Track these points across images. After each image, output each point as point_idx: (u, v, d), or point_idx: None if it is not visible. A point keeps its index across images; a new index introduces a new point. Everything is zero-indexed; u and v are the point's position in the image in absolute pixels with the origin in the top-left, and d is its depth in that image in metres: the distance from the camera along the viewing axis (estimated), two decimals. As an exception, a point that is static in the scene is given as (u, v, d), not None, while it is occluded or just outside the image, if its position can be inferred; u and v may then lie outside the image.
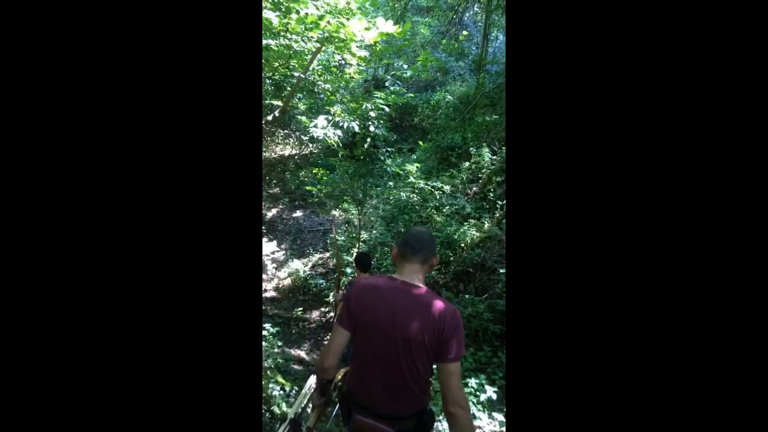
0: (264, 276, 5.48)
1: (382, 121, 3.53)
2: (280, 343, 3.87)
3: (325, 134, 3.22)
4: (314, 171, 4.43)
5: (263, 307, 4.68)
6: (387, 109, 3.47)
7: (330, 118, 3.30)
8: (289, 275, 5.36)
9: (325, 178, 4.49)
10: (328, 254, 5.66)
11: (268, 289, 5.20)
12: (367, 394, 1.24)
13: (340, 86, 4.01)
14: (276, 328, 4.21)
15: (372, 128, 3.42)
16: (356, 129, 3.35)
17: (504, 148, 6.09)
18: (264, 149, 9.06)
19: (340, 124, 3.24)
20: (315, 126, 3.23)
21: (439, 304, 1.19)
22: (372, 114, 3.40)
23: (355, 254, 1.74)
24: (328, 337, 4.33)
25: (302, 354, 4.00)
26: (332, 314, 4.68)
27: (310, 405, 1.42)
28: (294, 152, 8.46)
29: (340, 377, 1.41)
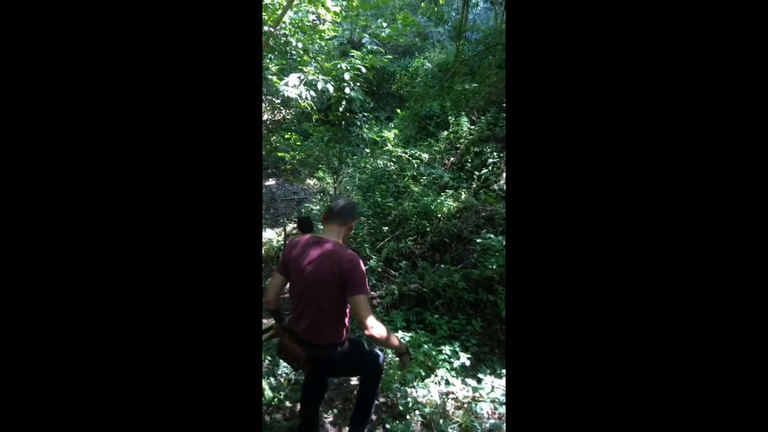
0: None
1: (358, 84, 3.33)
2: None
3: (298, 95, 3.01)
4: (287, 136, 4.21)
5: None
6: (364, 70, 3.27)
7: (302, 77, 3.08)
8: (262, 245, 5.21)
9: (298, 144, 4.29)
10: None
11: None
12: (296, 325, 1.61)
13: (314, 45, 3.76)
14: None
15: (348, 90, 3.22)
16: (331, 91, 3.15)
17: (482, 117, 6.00)
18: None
19: (314, 84, 3.03)
20: (286, 84, 3.00)
21: (341, 251, 1.53)
22: (347, 76, 3.20)
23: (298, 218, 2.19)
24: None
25: (276, 324, 3.93)
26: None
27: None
28: (266, 118, 8.10)
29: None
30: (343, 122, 3.60)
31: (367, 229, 4.97)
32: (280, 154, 4.41)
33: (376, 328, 1.46)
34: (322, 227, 1.66)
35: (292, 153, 4.37)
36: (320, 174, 6.78)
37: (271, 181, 6.96)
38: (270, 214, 6.07)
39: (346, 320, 1.61)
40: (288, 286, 1.68)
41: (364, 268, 1.51)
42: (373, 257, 4.34)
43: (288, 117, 8.12)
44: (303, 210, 5.75)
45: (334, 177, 4.55)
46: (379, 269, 4.28)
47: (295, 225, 2.55)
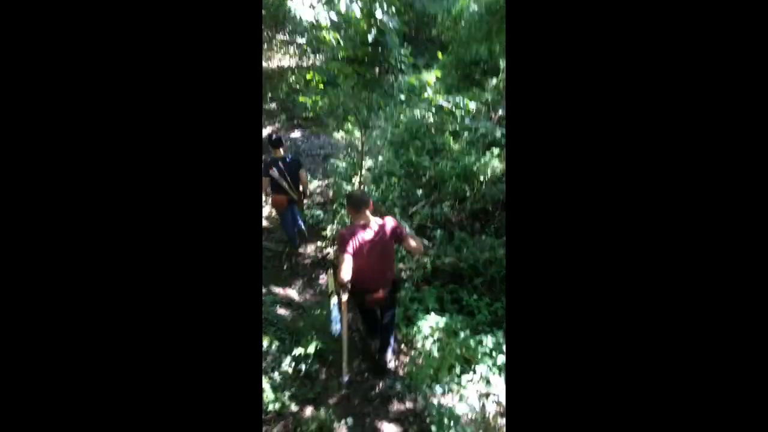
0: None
1: (393, 7, 2.59)
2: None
3: (315, 19, 2.36)
4: (308, 77, 3.56)
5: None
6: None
7: (322, -7, 2.40)
8: (283, 204, 4.75)
9: (321, 86, 3.65)
10: (327, 182, 4.99)
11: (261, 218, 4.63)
12: (371, 284, 2.23)
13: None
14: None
15: (380, 14, 2.50)
16: (357, 12, 2.45)
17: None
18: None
19: (335, 3, 2.35)
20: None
21: (389, 220, 2.33)
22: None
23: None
24: (322, 275, 3.86)
25: (293, 294, 3.52)
26: (330, 250, 4.16)
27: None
28: (293, 64, 7.41)
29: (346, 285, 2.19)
30: (374, 61, 2.91)
31: (398, 191, 4.38)
32: (301, 98, 3.79)
33: (416, 239, 2.40)
34: (350, 218, 2.32)
35: (314, 98, 3.74)
36: (348, 126, 6.15)
37: (296, 133, 6.40)
38: (293, 169, 5.57)
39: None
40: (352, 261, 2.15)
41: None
42: (404, 224, 3.79)
43: (318, 64, 7.38)
44: (328, 166, 5.21)
45: (363, 130, 3.92)
46: (410, 238, 3.74)
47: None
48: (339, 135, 6.20)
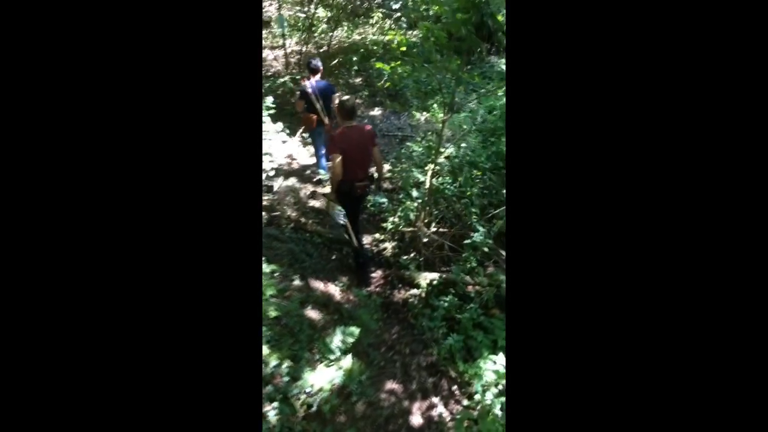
0: (310, 178, 4.47)
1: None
2: (296, 279, 2.86)
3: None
4: (390, 35, 2.95)
5: (300, 219, 3.71)
6: None
7: None
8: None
9: (403, 47, 3.02)
10: (399, 167, 4.38)
11: (318, 197, 4.20)
12: (353, 176, 2.92)
13: None
14: (306, 252, 3.24)
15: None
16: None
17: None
18: (352, 32, 7.54)
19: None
20: None
21: (368, 128, 3.10)
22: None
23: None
24: (373, 274, 3.31)
25: (334, 291, 3.00)
26: (387, 245, 3.58)
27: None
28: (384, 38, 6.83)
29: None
30: (471, 36, 2.19)
31: (479, 186, 3.61)
32: (378, 65, 3.18)
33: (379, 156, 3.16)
34: (340, 121, 3.01)
35: (393, 64, 3.11)
36: (434, 107, 5.44)
37: (376, 111, 5.87)
38: (366, 149, 5.06)
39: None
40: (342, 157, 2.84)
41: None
42: (480, 228, 3.04)
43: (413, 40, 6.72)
44: (403, 149, 4.59)
45: (447, 112, 3.22)
46: (486, 248, 2.98)
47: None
48: (422, 116, 5.53)
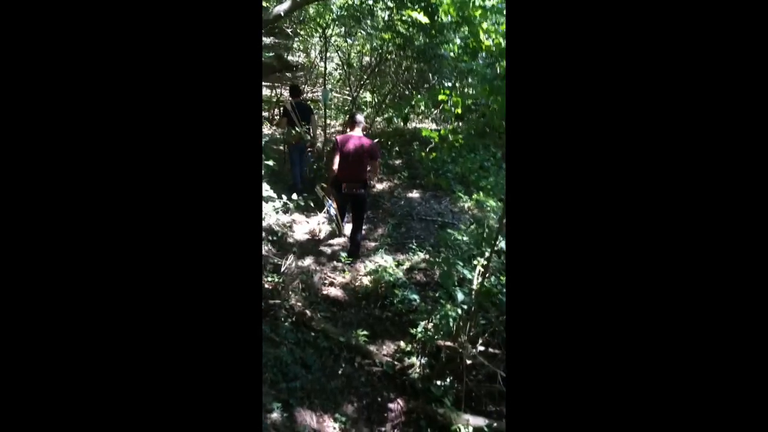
0: (337, 265, 3.74)
1: None
2: (275, 409, 1.96)
3: None
4: (443, 131, 2.40)
5: (305, 312, 2.89)
6: None
7: None
8: (371, 273, 3.49)
9: (457, 143, 2.41)
10: (437, 258, 3.59)
11: (336, 284, 3.42)
12: (349, 177, 3.52)
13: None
14: (302, 363, 2.37)
15: None
16: None
17: None
18: (397, 118, 7.39)
19: None
20: None
21: (371, 141, 3.75)
22: None
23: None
24: (390, 405, 2.36)
25: (327, 426, 2.05)
26: (417, 364, 2.65)
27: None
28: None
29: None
30: None
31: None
32: (424, 132, 2.61)
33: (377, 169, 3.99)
34: (349, 130, 3.74)
35: (434, 154, 2.51)
36: (481, 196, 4.78)
37: (414, 193, 5.29)
38: (399, 233, 4.36)
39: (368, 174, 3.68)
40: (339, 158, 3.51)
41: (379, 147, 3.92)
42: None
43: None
44: (438, 237, 3.85)
45: (498, 204, 2.52)
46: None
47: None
48: (467, 204, 4.87)
